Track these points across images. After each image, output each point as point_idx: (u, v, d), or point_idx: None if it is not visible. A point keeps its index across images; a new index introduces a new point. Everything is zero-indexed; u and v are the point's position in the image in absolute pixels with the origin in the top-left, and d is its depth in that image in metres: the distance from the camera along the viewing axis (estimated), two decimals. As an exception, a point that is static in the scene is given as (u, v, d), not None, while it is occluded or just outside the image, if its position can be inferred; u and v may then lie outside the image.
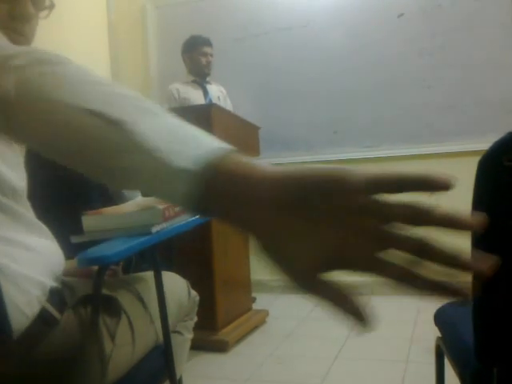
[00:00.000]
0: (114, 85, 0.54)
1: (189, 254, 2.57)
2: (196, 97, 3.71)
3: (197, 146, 0.49)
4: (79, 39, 3.89)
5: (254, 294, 3.40)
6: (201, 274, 2.64)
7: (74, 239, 1.22)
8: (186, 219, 1.30)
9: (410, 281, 0.43)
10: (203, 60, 3.73)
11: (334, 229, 0.44)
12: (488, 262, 0.42)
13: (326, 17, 3.93)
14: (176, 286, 1.41)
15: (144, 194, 1.41)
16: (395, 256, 0.44)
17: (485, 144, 1.00)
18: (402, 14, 3.76)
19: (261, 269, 3.30)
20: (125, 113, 0.50)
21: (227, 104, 3.85)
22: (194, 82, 3.77)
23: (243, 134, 3.13)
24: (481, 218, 0.42)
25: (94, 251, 1.10)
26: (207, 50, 3.74)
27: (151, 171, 0.49)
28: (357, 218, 0.44)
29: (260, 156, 3.35)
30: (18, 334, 0.93)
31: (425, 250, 0.42)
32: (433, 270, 0.43)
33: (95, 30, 4.21)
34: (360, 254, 0.44)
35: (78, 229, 1.26)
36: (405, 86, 3.77)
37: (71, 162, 0.57)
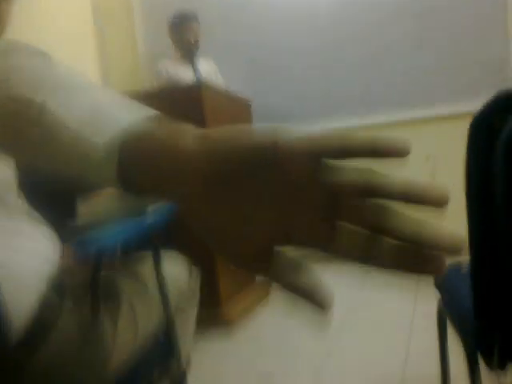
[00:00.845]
0: (56, 67, 0.52)
1: (188, 229, 2.55)
2: (185, 74, 3.67)
3: (121, 119, 0.45)
4: (63, 20, 3.83)
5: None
6: (201, 248, 2.63)
7: (70, 224, 1.22)
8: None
9: (372, 257, 0.37)
10: (191, 36, 3.67)
11: (277, 204, 0.39)
12: (458, 240, 0.35)
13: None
14: (176, 264, 1.41)
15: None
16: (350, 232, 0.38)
17: (478, 104, 0.99)
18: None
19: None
20: (48, 94, 0.47)
21: (218, 79, 3.80)
22: (182, 58, 3.73)
23: (235, 109, 3.11)
24: (444, 192, 0.35)
25: (91, 235, 1.10)
26: (194, 25, 3.68)
27: (78, 154, 0.45)
28: (301, 191, 0.38)
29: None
30: (19, 324, 0.93)
31: (383, 221, 0.37)
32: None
33: (80, 10, 4.14)
34: (308, 230, 0.39)
35: (74, 214, 1.26)
36: (396, 50, 3.74)
37: (10, 154, 0.56)
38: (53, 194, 1.53)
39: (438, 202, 0.35)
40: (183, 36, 3.68)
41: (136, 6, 4.33)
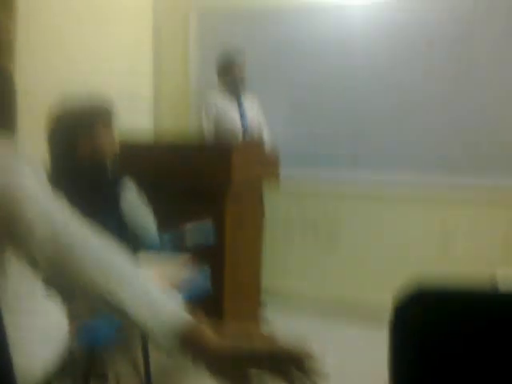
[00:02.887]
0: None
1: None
2: (231, 108, 3.86)
3: (171, 313, 0.83)
4: (123, 28, 3.96)
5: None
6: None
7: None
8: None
9: None
10: (236, 73, 3.85)
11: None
12: None
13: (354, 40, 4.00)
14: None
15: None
16: None
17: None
18: (430, 42, 3.79)
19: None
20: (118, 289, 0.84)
21: (259, 115, 3.98)
22: (228, 93, 3.89)
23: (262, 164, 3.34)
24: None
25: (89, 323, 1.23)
26: (240, 62, 3.85)
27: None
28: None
29: (281, 178, 3.57)
30: None
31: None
32: None
33: (140, 26, 4.29)
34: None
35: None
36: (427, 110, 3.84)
37: None
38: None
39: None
40: (228, 73, 3.86)
41: (192, 36, 4.51)
